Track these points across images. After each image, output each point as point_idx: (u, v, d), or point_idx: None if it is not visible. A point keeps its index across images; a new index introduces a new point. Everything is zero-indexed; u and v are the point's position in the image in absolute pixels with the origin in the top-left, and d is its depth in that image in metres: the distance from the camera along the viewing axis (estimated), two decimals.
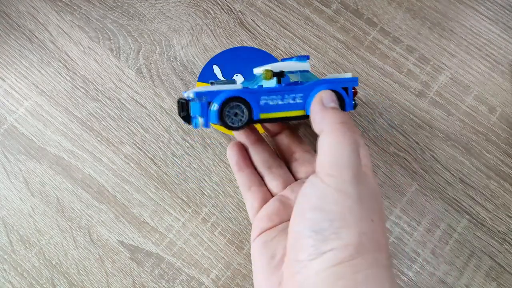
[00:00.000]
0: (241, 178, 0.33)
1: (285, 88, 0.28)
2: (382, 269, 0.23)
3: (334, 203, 0.24)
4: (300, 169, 0.34)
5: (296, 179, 0.34)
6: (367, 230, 0.24)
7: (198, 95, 0.27)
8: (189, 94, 0.28)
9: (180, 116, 0.29)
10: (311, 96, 0.28)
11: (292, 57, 0.32)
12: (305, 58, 0.31)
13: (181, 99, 0.29)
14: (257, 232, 0.31)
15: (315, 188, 0.25)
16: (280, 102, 0.28)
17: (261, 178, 0.34)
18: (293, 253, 0.25)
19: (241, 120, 0.28)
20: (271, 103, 0.28)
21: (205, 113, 0.28)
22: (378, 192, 0.27)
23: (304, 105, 0.29)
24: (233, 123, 0.28)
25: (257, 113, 0.28)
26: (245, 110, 0.28)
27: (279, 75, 0.30)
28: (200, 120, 0.28)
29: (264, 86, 0.30)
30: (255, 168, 0.34)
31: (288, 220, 0.29)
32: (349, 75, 0.31)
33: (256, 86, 0.30)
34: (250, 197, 0.33)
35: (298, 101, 0.29)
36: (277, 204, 0.31)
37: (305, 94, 0.29)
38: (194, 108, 0.28)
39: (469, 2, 0.41)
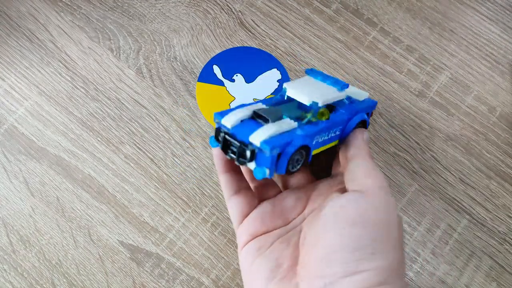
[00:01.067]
0: (229, 180, 0.30)
1: (331, 124, 0.28)
2: None
3: (377, 223, 0.23)
4: (292, 179, 0.33)
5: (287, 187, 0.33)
6: (400, 257, 0.24)
7: (270, 146, 0.24)
8: (253, 141, 0.25)
9: (222, 150, 0.27)
10: (348, 127, 0.29)
11: (324, 74, 0.31)
12: (344, 85, 0.30)
13: (223, 133, 0.26)
14: (246, 237, 0.28)
15: (357, 204, 0.24)
16: (326, 138, 0.28)
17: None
18: (320, 268, 0.23)
19: (299, 163, 0.27)
20: (320, 140, 0.28)
21: (274, 165, 0.25)
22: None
23: (340, 136, 0.30)
24: (293, 169, 0.27)
25: (311, 154, 0.27)
26: (304, 154, 0.27)
27: (330, 110, 0.29)
28: (267, 170, 0.25)
29: (312, 121, 0.28)
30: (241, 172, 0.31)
31: (283, 226, 0.29)
32: (366, 94, 0.32)
33: (304, 122, 0.28)
34: (237, 201, 0.30)
35: (337, 133, 0.29)
36: (271, 208, 0.30)
37: (343, 126, 0.29)
38: (263, 161, 0.25)
39: (469, 2, 0.41)
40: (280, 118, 0.27)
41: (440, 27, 0.41)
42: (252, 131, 0.25)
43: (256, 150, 0.25)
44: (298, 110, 0.29)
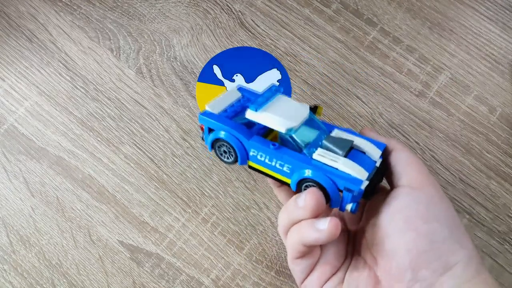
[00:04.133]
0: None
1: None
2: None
3: (444, 212, 0.23)
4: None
5: None
6: (471, 240, 0.23)
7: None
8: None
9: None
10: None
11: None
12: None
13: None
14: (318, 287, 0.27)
15: (420, 199, 0.23)
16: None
17: None
18: (412, 275, 0.22)
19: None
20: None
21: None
22: None
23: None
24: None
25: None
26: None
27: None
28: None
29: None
30: None
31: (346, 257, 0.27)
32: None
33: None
34: (306, 261, 0.27)
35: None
36: (328, 248, 0.27)
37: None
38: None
39: (469, 2, 0.41)
40: (350, 150, 0.26)
41: (440, 27, 0.41)
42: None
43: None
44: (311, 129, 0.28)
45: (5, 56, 0.41)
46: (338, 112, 0.39)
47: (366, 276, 0.25)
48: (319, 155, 0.25)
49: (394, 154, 0.26)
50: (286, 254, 0.36)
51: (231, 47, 0.40)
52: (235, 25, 0.41)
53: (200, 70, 0.40)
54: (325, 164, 0.25)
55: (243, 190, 0.38)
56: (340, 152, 0.25)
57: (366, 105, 0.39)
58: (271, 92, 0.28)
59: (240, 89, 0.30)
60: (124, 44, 0.41)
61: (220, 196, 0.38)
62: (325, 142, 0.26)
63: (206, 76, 0.40)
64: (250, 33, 0.41)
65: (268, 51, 0.40)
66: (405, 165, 0.25)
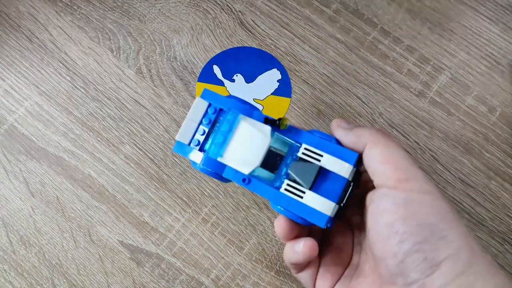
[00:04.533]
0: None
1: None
2: (498, 270, 0.21)
3: (426, 207, 0.22)
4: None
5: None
6: (468, 232, 0.22)
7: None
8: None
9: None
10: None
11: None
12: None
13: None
14: None
15: (394, 199, 0.22)
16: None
17: None
18: (401, 278, 0.22)
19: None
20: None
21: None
22: None
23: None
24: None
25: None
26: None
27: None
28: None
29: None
30: None
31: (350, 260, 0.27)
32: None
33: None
34: (308, 273, 0.27)
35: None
36: (331, 255, 0.27)
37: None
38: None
39: (469, 2, 0.41)
40: (318, 174, 0.27)
41: (440, 27, 0.41)
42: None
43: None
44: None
45: (5, 56, 0.41)
46: (338, 112, 0.39)
47: (370, 281, 0.25)
48: (286, 189, 0.26)
49: (366, 153, 0.25)
50: None
51: (231, 47, 0.40)
52: (235, 25, 0.41)
53: (200, 70, 0.40)
54: (291, 198, 0.26)
55: (243, 190, 0.38)
56: (305, 186, 0.26)
57: (366, 105, 0.39)
58: (233, 116, 0.28)
59: (205, 96, 0.30)
60: (124, 44, 0.41)
61: (220, 196, 0.38)
62: (291, 173, 0.27)
63: (206, 76, 0.40)
64: (250, 33, 0.41)
65: (268, 51, 0.40)
66: (378, 164, 0.24)
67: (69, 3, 0.42)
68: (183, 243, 0.37)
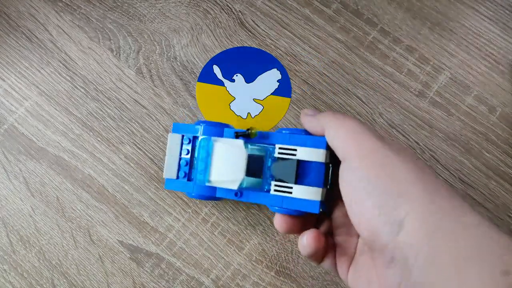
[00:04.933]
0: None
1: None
2: (467, 207, 0.22)
3: (385, 172, 0.23)
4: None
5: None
6: (428, 183, 0.22)
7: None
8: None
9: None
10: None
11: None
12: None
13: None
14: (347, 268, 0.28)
15: (358, 172, 0.24)
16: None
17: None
18: (377, 245, 0.23)
19: None
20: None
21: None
22: (404, 147, 0.26)
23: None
24: None
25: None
26: None
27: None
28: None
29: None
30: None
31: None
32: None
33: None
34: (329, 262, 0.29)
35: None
36: (343, 236, 0.29)
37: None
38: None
39: (469, 2, 0.41)
40: (297, 167, 0.29)
41: (440, 27, 0.41)
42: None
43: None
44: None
45: (5, 56, 0.41)
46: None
47: (369, 257, 0.26)
48: (275, 190, 0.29)
49: (326, 135, 0.27)
50: (286, 254, 0.36)
51: (231, 47, 0.40)
52: (235, 25, 0.41)
53: (200, 70, 0.40)
54: (283, 196, 0.28)
55: None
56: (290, 182, 0.28)
57: (366, 105, 0.39)
58: (205, 141, 0.31)
59: (176, 130, 0.33)
60: (124, 44, 0.41)
61: None
62: (274, 173, 0.29)
63: (206, 76, 0.40)
64: (250, 33, 0.41)
65: (268, 51, 0.40)
66: (335, 142, 0.26)
67: (69, 3, 0.42)
68: (183, 243, 0.37)
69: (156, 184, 0.38)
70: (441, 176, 0.37)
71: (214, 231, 0.37)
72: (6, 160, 0.39)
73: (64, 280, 0.36)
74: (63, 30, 0.41)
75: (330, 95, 0.39)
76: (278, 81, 0.40)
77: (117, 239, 0.37)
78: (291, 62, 0.40)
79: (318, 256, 0.27)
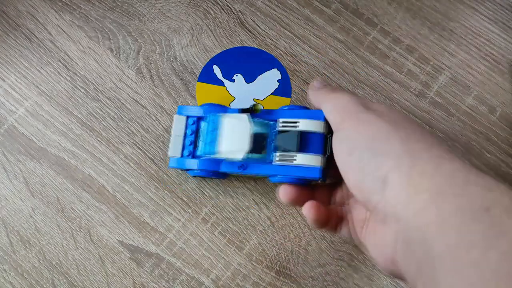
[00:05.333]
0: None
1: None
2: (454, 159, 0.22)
3: (363, 132, 0.24)
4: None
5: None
6: (405, 134, 0.23)
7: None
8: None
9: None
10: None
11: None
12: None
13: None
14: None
15: (344, 137, 0.25)
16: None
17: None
18: (370, 205, 0.23)
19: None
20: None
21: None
22: (393, 109, 0.27)
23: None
24: None
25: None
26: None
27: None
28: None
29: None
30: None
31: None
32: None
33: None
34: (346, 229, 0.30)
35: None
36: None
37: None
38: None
39: (469, 2, 0.41)
40: (300, 138, 0.31)
41: (440, 27, 0.41)
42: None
43: None
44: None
45: (4, 56, 0.41)
46: None
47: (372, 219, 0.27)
48: (278, 160, 0.31)
49: (323, 109, 0.29)
50: (286, 254, 0.36)
51: (231, 47, 0.40)
52: (235, 25, 0.41)
53: (200, 70, 0.40)
54: (286, 165, 0.31)
55: (243, 190, 0.38)
56: (293, 149, 0.30)
57: None
58: (214, 116, 0.33)
59: (181, 112, 0.34)
60: (124, 44, 0.41)
61: (220, 196, 0.38)
62: (278, 144, 0.31)
63: (206, 76, 0.40)
64: (250, 33, 0.41)
65: (268, 51, 0.40)
66: (327, 115, 0.28)
67: (69, 2, 0.42)
68: (183, 243, 0.37)
69: (156, 184, 0.38)
70: None
71: (214, 231, 0.37)
72: (6, 160, 0.39)
73: (64, 281, 0.36)
74: (63, 30, 0.41)
75: None
76: (278, 81, 0.40)
77: (117, 239, 0.37)
78: (291, 62, 0.40)
79: (321, 223, 0.28)
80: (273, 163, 0.31)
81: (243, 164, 0.32)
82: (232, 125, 0.32)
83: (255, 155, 0.32)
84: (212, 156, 0.32)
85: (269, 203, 0.37)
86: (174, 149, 0.33)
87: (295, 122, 0.31)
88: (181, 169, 0.35)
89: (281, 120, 0.31)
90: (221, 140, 0.32)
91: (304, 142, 0.30)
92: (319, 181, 0.31)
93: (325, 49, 0.40)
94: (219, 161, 0.32)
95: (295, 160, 0.30)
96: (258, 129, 0.32)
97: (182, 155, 0.33)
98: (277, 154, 0.31)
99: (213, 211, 0.37)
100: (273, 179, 0.31)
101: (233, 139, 0.31)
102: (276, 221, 0.37)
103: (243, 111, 0.32)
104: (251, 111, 0.32)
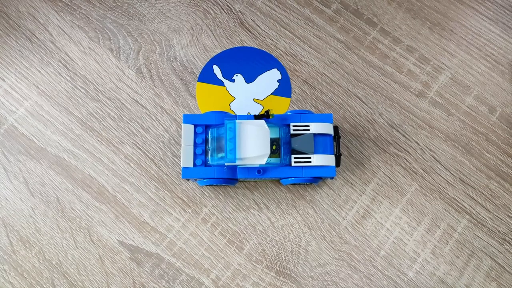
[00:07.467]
0: None
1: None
2: None
3: None
4: None
5: None
6: None
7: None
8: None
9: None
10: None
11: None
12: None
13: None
14: None
15: None
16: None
17: None
18: None
19: None
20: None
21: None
22: None
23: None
24: None
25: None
26: None
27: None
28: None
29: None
30: None
31: None
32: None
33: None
34: None
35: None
36: None
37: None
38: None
39: (469, 2, 0.41)
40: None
41: (440, 27, 0.41)
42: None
43: None
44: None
45: (5, 56, 0.41)
46: (338, 112, 0.39)
47: None
48: (295, 162, 0.33)
49: None
50: (286, 254, 0.36)
51: (231, 47, 0.40)
52: (235, 25, 0.41)
53: (200, 70, 0.40)
54: (303, 167, 0.33)
55: (243, 190, 0.38)
56: (310, 151, 0.33)
57: (366, 105, 0.39)
58: (232, 123, 0.33)
59: (188, 121, 0.35)
60: (124, 44, 0.41)
61: (220, 196, 0.38)
62: (294, 148, 0.33)
63: (206, 76, 0.40)
64: (250, 33, 0.41)
65: (268, 51, 0.40)
66: None
67: (69, 3, 0.42)
68: (183, 243, 0.37)
69: (156, 184, 0.38)
70: (441, 177, 0.37)
71: (214, 231, 0.37)
72: (6, 160, 0.39)
73: (64, 280, 0.36)
74: (63, 30, 0.41)
75: (330, 95, 0.39)
76: (278, 81, 0.40)
77: (117, 239, 0.37)
78: (291, 62, 0.40)
79: None
80: (291, 165, 0.33)
81: (261, 169, 0.33)
82: (252, 131, 0.32)
83: (272, 159, 0.33)
84: (233, 164, 0.32)
85: (269, 203, 0.37)
86: (186, 160, 0.34)
87: (307, 126, 0.33)
88: (194, 179, 0.35)
89: (292, 124, 0.33)
90: (243, 147, 0.32)
91: (316, 144, 0.33)
92: (329, 179, 0.34)
93: (325, 49, 0.40)
94: (234, 168, 0.33)
95: (311, 161, 0.32)
96: (272, 136, 0.33)
97: (194, 165, 0.34)
98: (293, 157, 0.33)
99: (213, 211, 0.37)
100: (285, 182, 0.34)
101: (254, 145, 0.32)
102: (276, 221, 0.37)
103: (258, 116, 0.33)
104: (266, 117, 0.33)
